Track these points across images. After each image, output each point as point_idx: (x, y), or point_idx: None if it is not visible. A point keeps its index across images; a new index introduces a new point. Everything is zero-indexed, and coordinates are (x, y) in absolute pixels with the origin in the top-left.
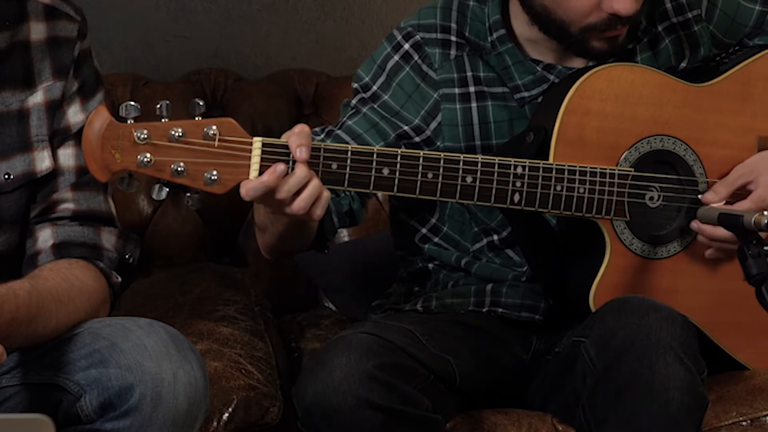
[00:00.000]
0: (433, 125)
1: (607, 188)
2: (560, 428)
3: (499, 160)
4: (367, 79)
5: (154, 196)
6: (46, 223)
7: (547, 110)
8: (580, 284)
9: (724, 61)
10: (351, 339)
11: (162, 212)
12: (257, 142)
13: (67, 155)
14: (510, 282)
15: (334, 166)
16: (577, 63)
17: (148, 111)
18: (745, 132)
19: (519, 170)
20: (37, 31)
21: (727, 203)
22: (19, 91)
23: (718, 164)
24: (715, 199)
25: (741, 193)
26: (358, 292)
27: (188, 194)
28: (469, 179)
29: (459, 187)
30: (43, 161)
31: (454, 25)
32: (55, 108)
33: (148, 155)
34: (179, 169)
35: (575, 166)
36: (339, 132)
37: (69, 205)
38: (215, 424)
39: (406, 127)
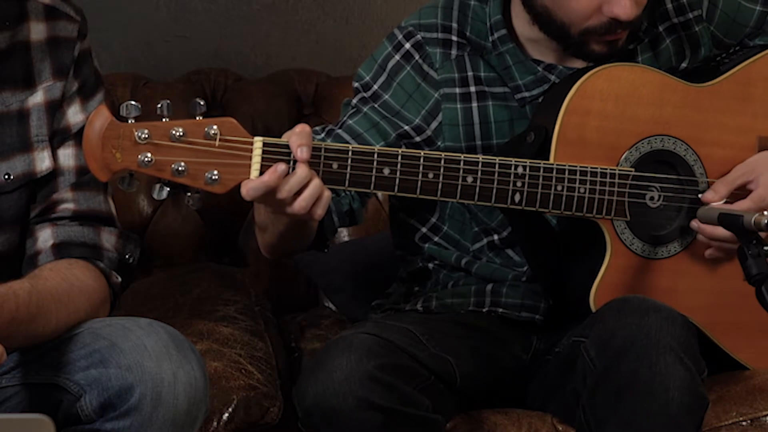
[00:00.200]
0: (434, 125)
1: (607, 188)
2: (560, 428)
3: (499, 160)
4: (367, 78)
5: (155, 196)
6: (46, 223)
7: (548, 110)
8: (581, 284)
9: (724, 61)
10: (351, 339)
11: (162, 212)
12: (258, 141)
13: (67, 155)
14: (510, 282)
15: (335, 165)
16: (578, 63)
17: (148, 111)
18: (746, 132)
19: (520, 170)
20: (37, 31)
21: (727, 203)
22: (19, 91)
23: (719, 164)
24: (715, 198)
25: (741, 192)
26: (358, 292)
27: (189, 194)
28: (469, 179)
29: (460, 187)
30: (43, 161)
31: (455, 25)
32: (55, 108)
33: (149, 155)
34: (180, 168)
35: (576, 166)
36: (339, 131)
37: (69, 205)
38: (215, 424)
39: (406, 127)
